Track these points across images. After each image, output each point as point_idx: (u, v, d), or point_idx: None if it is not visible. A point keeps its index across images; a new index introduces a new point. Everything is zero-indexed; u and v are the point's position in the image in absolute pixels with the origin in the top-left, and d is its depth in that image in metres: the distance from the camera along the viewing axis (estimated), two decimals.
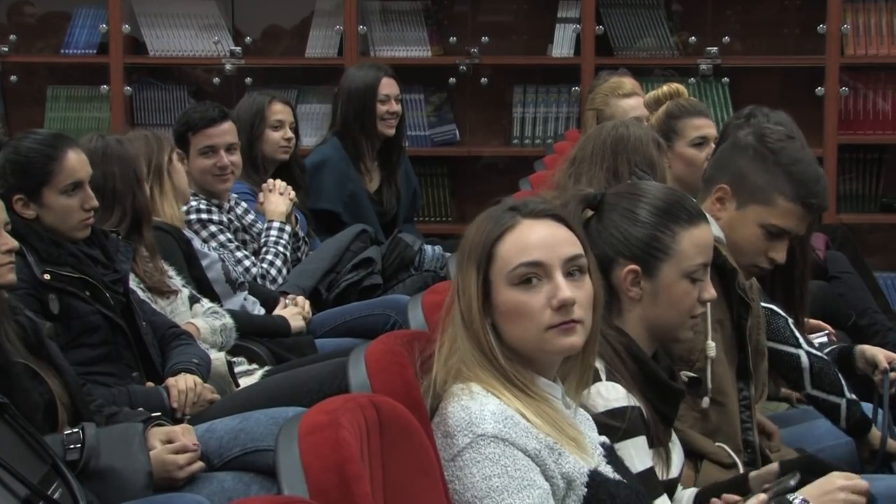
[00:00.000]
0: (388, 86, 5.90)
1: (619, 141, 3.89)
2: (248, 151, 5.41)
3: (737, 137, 3.38)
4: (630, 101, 5.46)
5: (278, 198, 5.22)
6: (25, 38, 7.49)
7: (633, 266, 2.78)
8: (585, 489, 2.42)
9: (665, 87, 4.79)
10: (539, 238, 2.48)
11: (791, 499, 2.63)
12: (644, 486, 2.60)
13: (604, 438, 2.59)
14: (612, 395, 2.66)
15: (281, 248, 5.10)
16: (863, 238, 7.02)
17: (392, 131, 5.92)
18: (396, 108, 5.90)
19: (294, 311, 4.79)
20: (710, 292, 2.84)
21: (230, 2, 7.44)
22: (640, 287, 2.78)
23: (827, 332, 4.45)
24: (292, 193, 5.28)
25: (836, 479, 2.70)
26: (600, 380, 2.67)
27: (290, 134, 5.57)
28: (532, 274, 2.46)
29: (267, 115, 5.53)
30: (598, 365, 2.68)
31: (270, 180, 5.30)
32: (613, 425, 2.62)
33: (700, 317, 2.86)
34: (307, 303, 4.89)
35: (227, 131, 5.07)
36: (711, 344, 3.11)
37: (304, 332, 4.77)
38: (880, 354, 3.80)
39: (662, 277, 2.79)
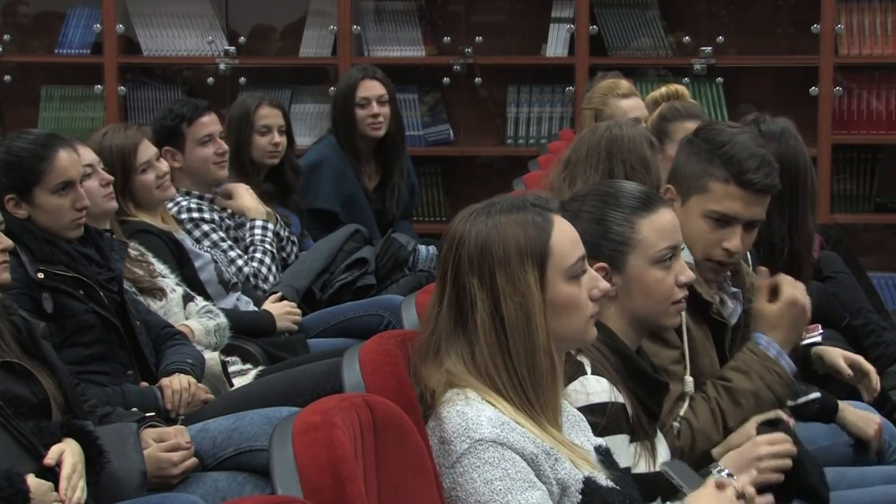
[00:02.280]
0: (367, 88, 5.79)
1: (613, 142, 3.88)
2: (236, 155, 5.37)
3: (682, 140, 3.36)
4: (629, 102, 5.43)
5: (249, 194, 5.16)
6: (19, 38, 7.50)
7: (600, 264, 2.77)
8: (580, 496, 2.42)
9: (664, 89, 4.78)
10: (575, 233, 2.51)
11: (714, 470, 2.64)
12: None
13: (599, 441, 2.58)
14: (594, 388, 2.66)
15: (267, 246, 5.07)
16: (857, 238, 7.03)
17: (379, 133, 5.82)
18: (378, 110, 5.79)
19: (283, 310, 4.78)
20: (688, 274, 2.83)
21: (224, 1, 7.44)
22: (612, 283, 2.77)
23: (820, 332, 4.45)
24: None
25: (760, 446, 2.75)
26: (585, 374, 2.67)
27: (277, 139, 5.46)
28: (582, 267, 2.49)
29: (254, 120, 5.43)
30: (584, 360, 2.68)
31: (232, 184, 5.21)
32: (593, 421, 2.61)
33: (684, 300, 2.84)
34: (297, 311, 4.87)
35: (215, 119, 5.06)
36: (689, 379, 3.07)
37: (296, 331, 4.75)
38: (840, 360, 3.77)
39: (630, 269, 2.80)
